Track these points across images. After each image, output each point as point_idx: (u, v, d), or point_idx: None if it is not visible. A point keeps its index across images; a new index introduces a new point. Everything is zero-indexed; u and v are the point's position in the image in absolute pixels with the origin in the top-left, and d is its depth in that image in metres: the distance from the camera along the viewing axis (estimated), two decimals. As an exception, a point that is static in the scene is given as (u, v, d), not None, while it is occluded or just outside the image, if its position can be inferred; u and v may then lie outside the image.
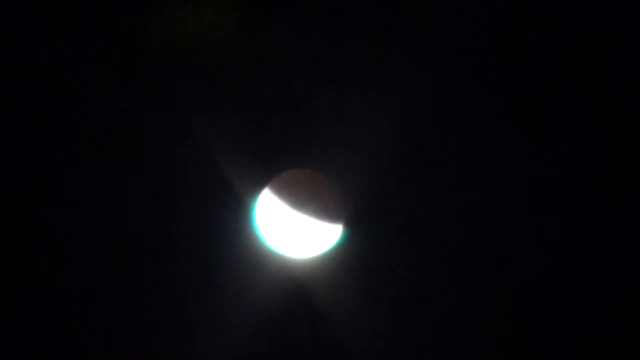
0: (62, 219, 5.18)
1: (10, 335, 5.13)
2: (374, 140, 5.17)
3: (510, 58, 5.18)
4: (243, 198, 5.19)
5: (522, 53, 5.17)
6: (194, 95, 5.16)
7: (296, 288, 5.27)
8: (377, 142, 5.17)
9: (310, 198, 5.18)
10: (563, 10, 5.11)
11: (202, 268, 5.26)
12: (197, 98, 5.16)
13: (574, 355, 5.25)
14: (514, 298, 5.33)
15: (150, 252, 5.22)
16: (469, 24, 5.10)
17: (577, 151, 5.23)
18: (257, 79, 5.18)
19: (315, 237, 5.19)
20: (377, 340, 5.32)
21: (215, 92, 5.18)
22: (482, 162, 5.25)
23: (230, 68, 5.16)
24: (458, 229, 5.32)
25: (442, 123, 5.20)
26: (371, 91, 5.17)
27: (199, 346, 5.23)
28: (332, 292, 5.28)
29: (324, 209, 5.19)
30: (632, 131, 5.20)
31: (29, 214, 5.20)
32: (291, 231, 5.17)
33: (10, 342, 5.12)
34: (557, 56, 5.17)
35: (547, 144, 5.23)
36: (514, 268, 5.33)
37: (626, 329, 5.23)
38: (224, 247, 5.24)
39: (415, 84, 5.12)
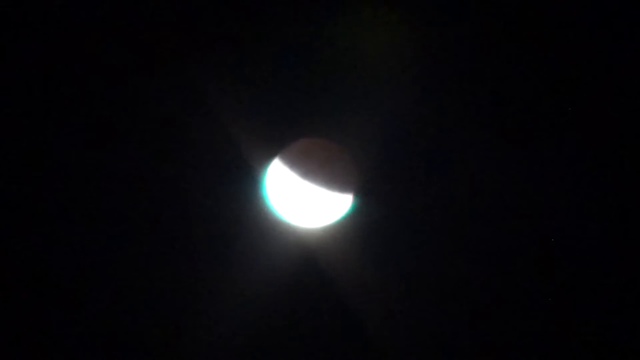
0: (67, 186, 5.16)
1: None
2: (386, 109, 5.13)
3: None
4: (254, 167, 5.16)
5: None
6: (205, 62, 5.11)
7: (307, 258, 5.27)
8: (389, 111, 5.13)
9: (321, 167, 5.15)
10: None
11: (212, 238, 5.25)
12: (209, 65, 5.11)
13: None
14: (527, 266, 5.33)
15: (158, 221, 5.20)
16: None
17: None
18: (270, 46, 5.12)
19: (326, 206, 5.17)
20: (387, 310, 5.32)
21: (226, 60, 5.13)
22: (498, 130, 5.22)
23: (243, 34, 5.11)
24: (470, 197, 5.29)
25: (456, 92, 5.16)
26: (386, 59, 5.12)
27: (206, 316, 5.23)
28: (343, 261, 5.27)
29: (335, 179, 5.16)
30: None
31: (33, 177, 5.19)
32: (302, 201, 5.15)
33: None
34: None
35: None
36: (529, 236, 5.32)
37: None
38: (234, 216, 5.22)
39: (431, 52, 5.07)
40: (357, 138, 5.17)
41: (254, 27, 5.10)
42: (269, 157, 5.16)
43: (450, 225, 5.33)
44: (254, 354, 5.29)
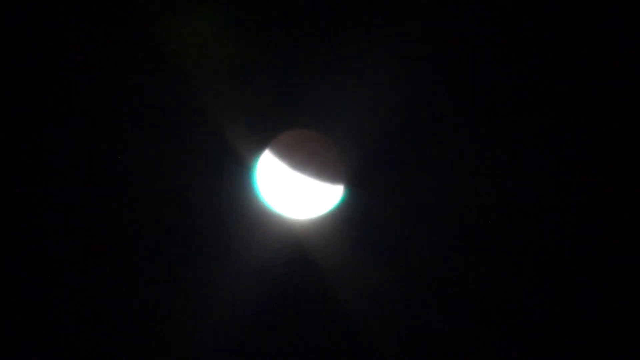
0: (54, 180, 5.15)
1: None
2: (376, 99, 5.12)
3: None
4: (244, 159, 5.15)
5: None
6: (194, 53, 5.09)
7: (297, 249, 5.27)
8: (379, 101, 5.12)
9: (311, 158, 5.15)
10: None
11: (202, 229, 5.25)
12: (198, 57, 5.09)
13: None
14: (517, 258, 5.32)
15: (149, 213, 5.20)
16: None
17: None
18: (259, 37, 5.10)
19: (316, 198, 5.17)
20: (377, 301, 5.32)
21: (216, 52, 5.11)
22: (486, 122, 5.20)
23: (231, 27, 5.09)
24: (460, 189, 5.28)
25: (446, 84, 5.14)
26: (375, 50, 5.10)
27: (196, 308, 5.24)
28: (333, 253, 5.28)
29: (325, 170, 5.16)
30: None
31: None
32: (292, 192, 5.14)
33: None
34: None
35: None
36: (519, 228, 5.31)
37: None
38: (224, 208, 5.22)
39: (420, 45, 5.05)
40: (347, 129, 5.16)
41: (242, 21, 5.09)
42: (259, 149, 5.15)
43: (441, 217, 5.32)
44: (243, 345, 5.30)
